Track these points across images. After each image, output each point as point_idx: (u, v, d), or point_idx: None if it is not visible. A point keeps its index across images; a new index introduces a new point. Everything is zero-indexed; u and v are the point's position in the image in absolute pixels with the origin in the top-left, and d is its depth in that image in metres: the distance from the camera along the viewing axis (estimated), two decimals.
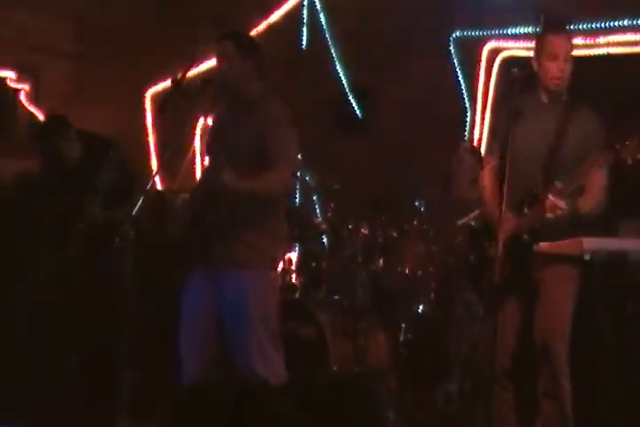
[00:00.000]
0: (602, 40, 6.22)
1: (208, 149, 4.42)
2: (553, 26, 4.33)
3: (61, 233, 5.19)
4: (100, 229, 4.87)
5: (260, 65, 4.24)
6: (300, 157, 6.36)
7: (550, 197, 3.88)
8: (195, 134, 7.35)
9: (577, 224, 3.97)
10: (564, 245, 3.94)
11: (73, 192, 5.09)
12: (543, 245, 3.96)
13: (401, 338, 5.28)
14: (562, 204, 3.87)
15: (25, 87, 7.79)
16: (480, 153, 5.67)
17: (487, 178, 4.29)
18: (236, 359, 4.15)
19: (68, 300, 5.15)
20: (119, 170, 4.86)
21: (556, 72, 4.06)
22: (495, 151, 4.25)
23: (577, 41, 4.36)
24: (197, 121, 7.04)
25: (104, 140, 5.19)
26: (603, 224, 4.16)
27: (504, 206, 3.86)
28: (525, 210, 4.00)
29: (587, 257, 3.90)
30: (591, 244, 3.89)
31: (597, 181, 3.99)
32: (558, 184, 3.90)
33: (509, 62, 6.65)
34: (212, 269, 4.17)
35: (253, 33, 7.64)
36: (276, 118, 4.13)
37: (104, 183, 4.83)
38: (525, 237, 4.00)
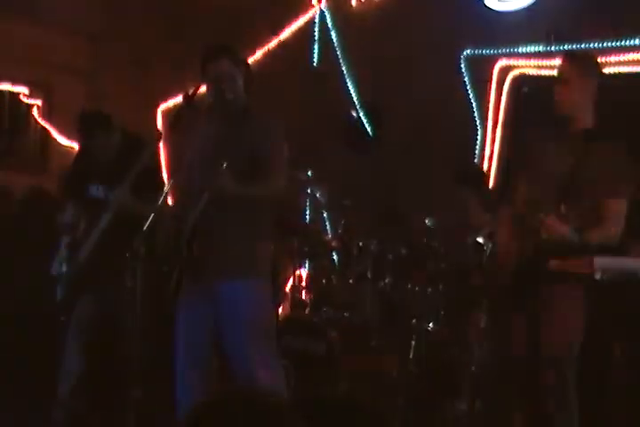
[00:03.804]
0: (612, 59, 6.24)
1: (197, 162, 4.29)
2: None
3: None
4: (127, 219, 4.83)
5: (249, 78, 4.27)
6: (310, 173, 6.40)
7: (549, 218, 3.83)
8: None
9: (588, 249, 3.94)
10: (575, 264, 3.92)
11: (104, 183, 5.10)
12: (553, 263, 3.95)
13: (410, 355, 5.27)
14: (558, 225, 3.83)
15: (37, 102, 7.84)
16: (479, 179, 5.66)
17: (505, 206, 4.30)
18: (239, 372, 4.14)
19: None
20: (150, 163, 4.89)
21: (554, 95, 4.07)
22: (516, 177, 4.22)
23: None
24: None
25: (138, 137, 5.22)
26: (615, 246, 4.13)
27: (515, 226, 3.86)
28: (534, 231, 3.97)
29: (597, 276, 3.89)
30: (602, 262, 3.88)
31: (616, 208, 3.94)
32: (563, 207, 3.86)
33: (520, 80, 6.68)
34: (204, 282, 4.16)
35: (265, 50, 7.70)
36: (272, 131, 4.16)
37: (135, 172, 4.86)
38: (533, 256, 3.99)
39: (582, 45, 6.08)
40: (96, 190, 5.10)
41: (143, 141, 5.13)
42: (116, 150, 5.10)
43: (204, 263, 4.11)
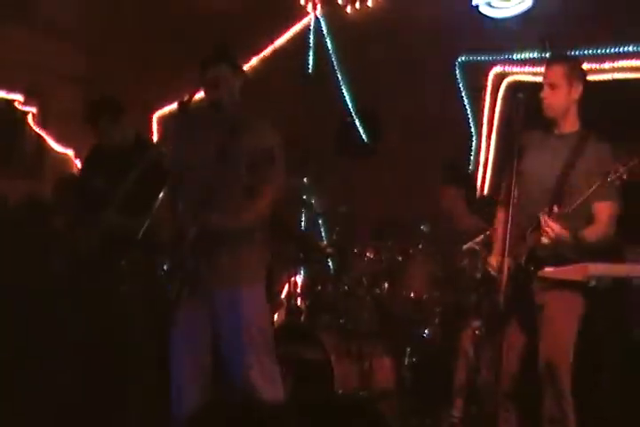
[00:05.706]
0: (607, 66, 6.26)
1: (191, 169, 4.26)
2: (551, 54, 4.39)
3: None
4: (115, 237, 4.82)
5: (244, 83, 4.27)
6: (305, 180, 6.42)
7: (546, 220, 3.86)
8: None
9: (582, 251, 3.95)
10: (569, 271, 3.93)
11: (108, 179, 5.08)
12: (547, 271, 3.96)
13: (405, 362, 5.27)
14: (557, 228, 3.84)
15: (32, 110, 7.85)
16: (465, 179, 5.66)
17: (501, 210, 4.31)
18: (236, 378, 4.13)
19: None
20: (153, 168, 4.83)
21: (542, 99, 4.10)
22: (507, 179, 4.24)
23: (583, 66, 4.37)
24: None
25: (150, 141, 5.19)
26: (609, 250, 4.14)
27: (509, 233, 3.86)
28: (527, 235, 3.99)
29: (592, 283, 3.89)
30: (596, 269, 3.88)
31: (606, 210, 3.97)
32: (555, 208, 3.89)
33: (515, 87, 6.69)
34: (201, 289, 4.16)
35: (260, 56, 7.71)
36: (269, 133, 4.15)
37: (136, 175, 4.81)
38: (526, 262, 3.99)
39: (577, 52, 6.09)
40: (97, 181, 5.10)
41: (152, 143, 5.12)
42: (126, 145, 5.09)
43: (200, 271, 4.11)
